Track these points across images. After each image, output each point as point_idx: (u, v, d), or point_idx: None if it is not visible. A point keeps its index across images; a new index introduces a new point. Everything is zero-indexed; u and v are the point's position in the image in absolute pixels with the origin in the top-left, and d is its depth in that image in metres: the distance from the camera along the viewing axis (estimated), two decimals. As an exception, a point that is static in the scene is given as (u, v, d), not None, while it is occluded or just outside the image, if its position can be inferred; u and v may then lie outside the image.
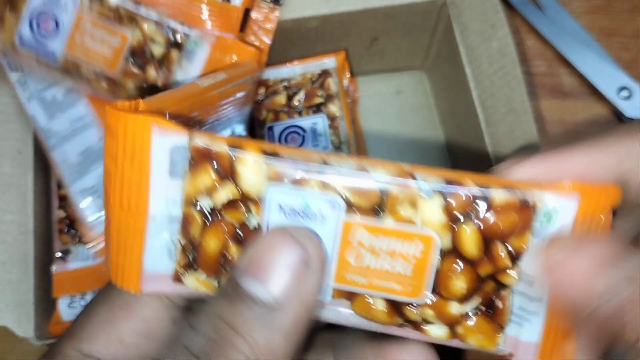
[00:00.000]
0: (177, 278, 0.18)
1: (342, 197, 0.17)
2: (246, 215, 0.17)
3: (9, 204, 0.32)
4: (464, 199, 0.16)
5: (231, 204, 0.17)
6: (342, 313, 0.18)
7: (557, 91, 0.43)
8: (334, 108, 0.36)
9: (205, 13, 0.30)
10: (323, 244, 0.17)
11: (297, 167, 0.17)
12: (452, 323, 0.17)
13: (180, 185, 0.17)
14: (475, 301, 0.17)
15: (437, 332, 0.18)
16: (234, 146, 0.17)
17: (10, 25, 0.29)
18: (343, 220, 0.17)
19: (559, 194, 0.16)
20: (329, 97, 0.37)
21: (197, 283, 0.18)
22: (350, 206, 0.17)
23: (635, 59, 0.44)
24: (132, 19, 0.29)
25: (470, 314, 0.17)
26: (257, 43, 0.32)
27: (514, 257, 0.16)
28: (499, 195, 0.16)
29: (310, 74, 0.38)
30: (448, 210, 0.16)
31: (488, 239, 0.16)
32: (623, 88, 0.41)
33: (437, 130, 0.43)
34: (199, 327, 0.17)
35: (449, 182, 0.16)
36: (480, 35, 0.33)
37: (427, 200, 0.16)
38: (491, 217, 0.16)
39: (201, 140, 0.17)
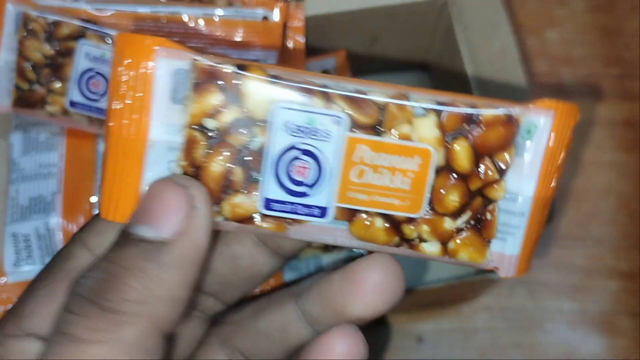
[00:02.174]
0: None
1: (345, 111, 0.17)
2: (250, 138, 0.17)
3: None
4: (456, 116, 0.17)
5: (235, 126, 0.17)
6: (338, 235, 0.18)
7: (557, 91, 0.43)
8: (333, 108, 0.36)
9: (248, 36, 0.31)
10: (206, 190, 0.17)
11: (301, 86, 0.17)
12: (444, 239, 0.18)
13: (181, 110, 0.17)
14: (466, 216, 0.18)
15: (431, 249, 0.18)
16: (240, 67, 0.17)
17: (60, 94, 0.29)
18: (347, 136, 0.17)
19: (538, 110, 0.17)
20: (328, 97, 0.36)
21: None
22: (353, 123, 0.17)
23: (636, 58, 0.44)
24: None
25: (461, 228, 0.18)
26: (293, 44, 0.33)
27: (502, 171, 0.17)
28: (487, 112, 0.17)
29: (310, 74, 0.38)
30: (442, 126, 0.17)
31: (478, 153, 0.17)
32: None
33: (438, 130, 0.43)
34: (88, 274, 0.17)
35: (440, 102, 0.17)
36: (481, 34, 0.33)
37: (422, 118, 0.17)
38: (481, 132, 0.17)
39: (208, 60, 0.17)
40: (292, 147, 0.17)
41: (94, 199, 0.31)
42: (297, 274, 0.35)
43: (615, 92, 0.43)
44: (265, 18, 0.31)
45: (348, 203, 0.18)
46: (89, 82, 0.29)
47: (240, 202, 0.18)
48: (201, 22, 0.30)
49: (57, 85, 0.29)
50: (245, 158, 0.17)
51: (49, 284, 0.19)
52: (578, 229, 0.41)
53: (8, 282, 0.30)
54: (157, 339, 0.17)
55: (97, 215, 0.19)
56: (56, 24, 0.29)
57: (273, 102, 0.17)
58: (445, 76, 0.40)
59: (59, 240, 0.30)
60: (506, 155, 0.17)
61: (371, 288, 0.19)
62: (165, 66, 0.17)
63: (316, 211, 0.18)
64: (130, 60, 0.17)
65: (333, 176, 0.18)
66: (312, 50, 0.37)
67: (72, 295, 0.16)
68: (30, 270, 0.30)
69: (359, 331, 0.20)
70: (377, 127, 0.17)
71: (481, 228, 0.18)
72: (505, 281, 0.40)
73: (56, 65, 0.29)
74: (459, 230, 0.18)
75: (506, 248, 0.18)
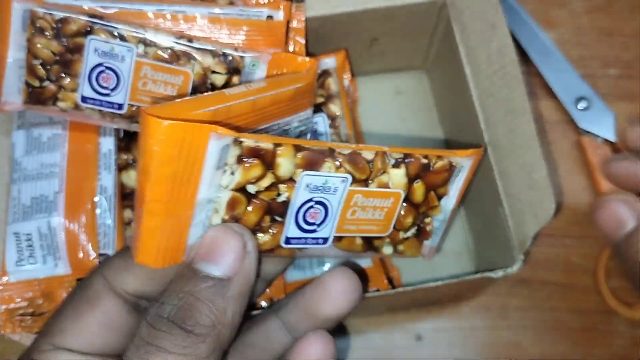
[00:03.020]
0: None
1: (350, 173, 0.23)
2: (278, 193, 0.23)
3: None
4: (417, 165, 0.24)
5: (269, 187, 0.23)
6: (332, 249, 0.25)
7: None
8: (334, 108, 0.36)
9: (252, 34, 0.31)
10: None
11: (317, 154, 0.23)
12: (396, 244, 0.26)
13: (220, 174, 0.22)
14: (414, 228, 0.26)
15: (387, 251, 0.26)
16: (277, 143, 0.22)
17: (71, 89, 0.30)
18: (348, 189, 0.24)
19: (467, 157, 0.25)
20: (329, 97, 0.36)
21: None
22: (353, 179, 0.23)
23: (636, 59, 0.44)
24: (188, 56, 0.30)
25: (408, 236, 0.26)
26: (294, 46, 0.33)
27: (440, 198, 0.26)
28: (438, 162, 0.25)
29: (310, 74, 0.38)
30: (408, 174, 0.24)
31: (428, 189, 0.25)
32: (582, 98, 0.41)
33: (437, 131, 0.43)
34: (166, 300, 0.21)
35: (407, 155, 0.24)
36: (479, 35, 0.33)
37: (396, 169, 0.24)
38: (432, 176, 0.25)
39: (250, 141, 0.21)
40: (310, 200, 0.23)
41: (97, 199, 0.31)
42: (301, 273, 0.35)
43: (614, 92, 0.43)
44: (269, 17, 0.31)
45: (343, 232, 0.25)
46: (99, 76, 0.29)
47: (267, 240, 0.23)
48: (204, 20, 0.30)
49: (68, 81, 0.29)
50: (273, 208, 0.23)
51: (74, 306, 0.24)
52: (576, 228, 0.41)
53: (10, 281, 0.30)
54: (219, 355, 0.21)
55: (118, 254, 0.24)
56: (64, 20, 0.29)
57: (298, 169, 0.22)
58: (444, 76, 0.40)
59: (61, 239, 0.31)
60: (445, 189, 0.25)
61: (336, 293, 0.24)
62: (216, 144, 0.20)
63: (321, 241, 0.24)
64: (183, 141, 0.20)
65: (335, 216, 0.24)
66: (312, 51, 0.38)
67: (155, 317, 0.21)
68: (32, 269, 0.31)
69: (330, 335, 0.25)
70: (368, 179, 0.24)
71: (420, 234, 0.26)
72: (504, 280, 0.40)
73: (65, 62, 0.29)
74: (406, 238, 0.26)
75: (431, 243, 0.27)
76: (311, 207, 0.23)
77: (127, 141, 0.34)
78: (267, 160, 0.22)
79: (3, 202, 0.32)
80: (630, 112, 0.42)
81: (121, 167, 0.34)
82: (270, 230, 0.23)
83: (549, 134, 0.43)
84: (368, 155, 0.23)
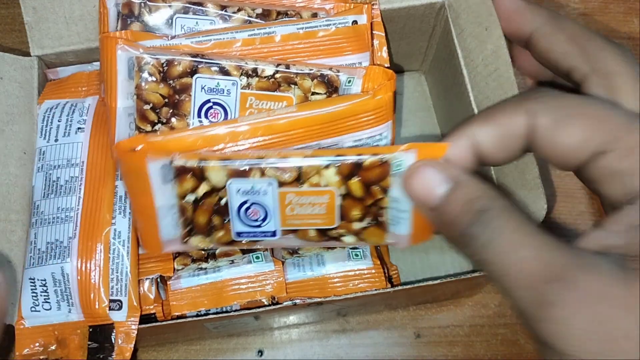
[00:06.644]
0: (184, 241, 0.29)
1: (274, 178, 0.27)
2: (218, 198, 0.28)
3: (14, 204, 0.32)
4: (347, 165, 0.27)
5: (207, 194, 0.28)
6: (290, 241, 0.29)
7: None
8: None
9: (341, 42, 0.32)
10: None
11: (243, 164, 0.27)
12: (356, 234, 0.29)
13: (170, 187, 0.27)
14: (368, 219, 0.28)
15: (349, 240, 0.29)
16: (201, 159, 0.27)
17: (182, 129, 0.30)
18: (278, 191, 0.27)
19: (402, 152, 0.26)
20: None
21: (197, 242, 0.29)
22: (280, 182, 0.27)
23: (631, 61, 0.45)
24: (289, 81, 0.30)
25: (366, 226, 0.28)
26: (376, 41, 0.34)
27: (384, 191, 0.27)
28: (368, 159, 0.27)
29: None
30: (340, 172, 0.27)
31: (367, 184, 0.27)
32: None
33: (436, 131, 0.44)
34: None
35: (338, 155, 0.27)
36: (475, 37, 0.33)
37: (326, 169, 0.27)
38: (365, 172, 0.27)
39: (179, 161, 0.27)
40: (246, 202, 0.28)
41: (111, 244, 0.31)
42: (300, 272, 0.35)
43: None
44: (354, 22, 0.32)
45: (288, 226, 0.29)
46: (208, 112, 0.30)
47: (221, 235, 0.29)
48: (295, 37, 0.31)
49: (177, 121, 0.30)
50: (218, 209, 0.28)
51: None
52: (571, 227, 0.42)
53: (25, 326, 0.31)
54: None
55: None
56: (169, 63, 0.29)
57: (228, 178, 0.27)
58: (442, 78, 0.40)
59: (74, 285, 0.31)
60: (386, 182, 0.27)
61: None
62: (154, 164, 0.27)
63: (269, 234, 0.29)
64: (129, 164, 0.27)
65: (275, 213, 0.28)
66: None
67: None
68: (46, 315, 0.31)
69: None
70: (298, 180, 0.27)
71: (378, 223, 0.28)
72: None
73: (174, 103, 0.30)
74: (365, 228, 0.28)
75: (399, 230, 0.28)
76: (249, 207, 0.28)
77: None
78: (198, 174, 0.27)
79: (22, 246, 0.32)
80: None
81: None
82: (222, 228, 0.29)
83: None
84: (296, 161, 0.27)
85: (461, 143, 0.24)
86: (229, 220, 0.28)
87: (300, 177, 0.27)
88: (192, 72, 0.30)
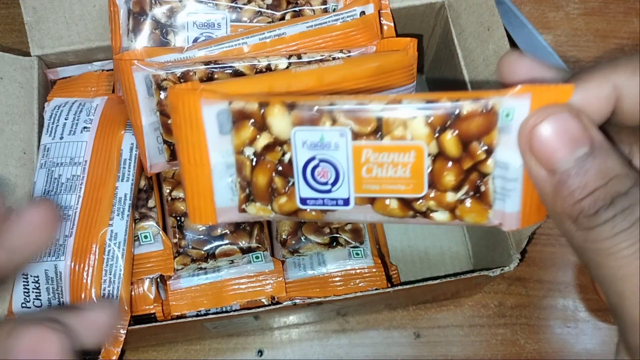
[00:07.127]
0: (242, 209, 0.24)
1: (348, 127, 0.22)
2: (281, 153, 0.23)
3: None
4: (440, 113, 0.21)
5: (268, 147, 0.23)
6: (367, 214, 0.23)
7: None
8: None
9: (351, 34, 0.32)
10: None
11: (312, 110, 0.22)
12: (451, 208, 0.22)
13: (229, 139, 0.23)
14: (465, 189, 0.22)
15: (441, 217, 0.23)
16: (263, 103, 0.22)
17: None
18: (352, 144, 0.22)
19: (513, 96, 0.20)
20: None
21: (256, 210, 0.24)
22: (355, 133, 0.22)
23: (631, 61, 0.45)
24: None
25: (463, 199, 0.22)
26: (384, 26, 0.34)
27: (489, 151, 0.21)
28: (466, 106, 0.21)
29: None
30: (430, 123, 0.21)
31: (465, 140, 0.21)
32: None
33: (435, 131, 0.44)
34: None
35: (429, 101, 0.21)
36: (477, 37, 0.33)
37: (413, 120, 0.21)
38: (463, 123, 0.21)
39: (238, 103, 0.22)
40: (313, 158, 0.23)
41: (106, 245, 0.31)
42: (301, 271, 0.35)
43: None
44: (362, 13, 0.32)
45: (364, 193, 0.23)
46: None
47: (284, 202, 0.24)
48: (304, 35, 0.31)
49: None
50: (282, 169, 0.23)
51: None
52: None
53: None
54: None
55: None
56: (184, 74, 0.30)
57: (292, 126, 0.22)
58: (442, 78, 0.40)
59: (66, 284, 0.30)
60: (491, 137, 0.21)
61: None
62: (209, 110, 0.22)
63: (340, 202, 0.23)
64: (183, 109, 0.22)
65: (348, 175, 0.23)
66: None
67: None
68: (37, 312, 0.30)
69: None
70: (378, 132, 0.22)
71: (480, 196, 0.22)
72: (501, 279, 0.41)
73: None
74: (462, 201, 0.22)
75: (506, 207, 0.22)
76: (317, 165, 0.23)
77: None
78: (258, 121, 0.22)
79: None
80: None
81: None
82: (285, 193, 0.23)
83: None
84: (376, 107, 0.22)
85: (602, 90, 0.19)
86: (293, 183, 0.23)
87: (379, 128, 0.22)
88: (210, 79, 0.30)
